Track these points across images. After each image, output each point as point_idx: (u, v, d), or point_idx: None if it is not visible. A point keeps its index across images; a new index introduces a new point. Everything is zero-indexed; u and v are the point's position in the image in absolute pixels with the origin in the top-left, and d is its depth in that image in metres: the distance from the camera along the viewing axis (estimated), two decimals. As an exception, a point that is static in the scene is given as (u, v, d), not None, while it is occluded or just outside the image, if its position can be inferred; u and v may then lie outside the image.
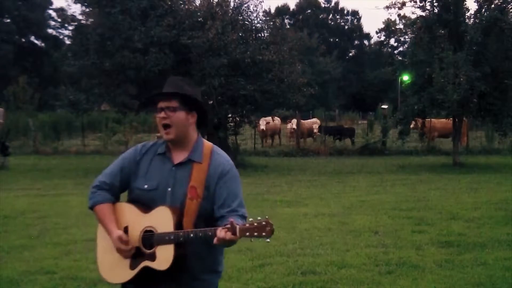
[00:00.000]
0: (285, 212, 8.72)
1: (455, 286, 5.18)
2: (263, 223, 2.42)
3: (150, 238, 2.55)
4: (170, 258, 2.50)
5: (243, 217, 2.56)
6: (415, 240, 6.90)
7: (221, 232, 2.37)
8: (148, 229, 2.56)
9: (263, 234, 2.42)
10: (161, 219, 2.54)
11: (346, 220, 8.30)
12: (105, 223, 2.61)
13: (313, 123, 24.86)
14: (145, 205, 2.60)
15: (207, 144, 2.71)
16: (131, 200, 2.68)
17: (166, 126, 2.59)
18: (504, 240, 6.84)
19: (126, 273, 2.59)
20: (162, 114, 2.57)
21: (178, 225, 2.52)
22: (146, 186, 2.62)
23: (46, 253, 6.50)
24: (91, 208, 2.68)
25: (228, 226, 2.39)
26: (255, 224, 2.42)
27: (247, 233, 2.41)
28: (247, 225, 2.43)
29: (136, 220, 2.60)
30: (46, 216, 8.73)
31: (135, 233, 2.57)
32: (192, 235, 2.48)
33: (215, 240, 2.38)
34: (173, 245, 2.49)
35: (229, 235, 2.36)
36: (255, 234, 2.42)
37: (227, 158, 2.71)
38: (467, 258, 6.03)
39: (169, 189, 2.59)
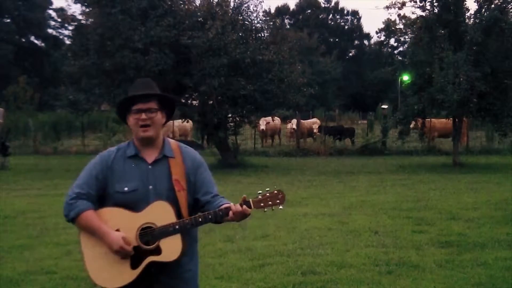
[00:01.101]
0: (285, 212, 8.71)
1: (455, 286, 5.18)
2: (275, 192, 2.60)
3: (149, 234, 2.57)
4: (179, 247, 2.56)
5: (224, 198, 2.75)
6: (415, 240, 6.90)
7: (237, 207, 2.56)
8: (146, 226, 2.57)
9: (277, 201, 2.59)
10: (161, 213, 2.58)
11: (346, 220, 8.30)
12: (97, 227, 2.60)
13: (313, 123, 24.87)
14: (128, 207, 2.63)
15: (172, 140, 2.84)
16: (111, 206, 2.68)
17: (145, 126, 2.66)
18: (504, 240, 6.84)
19: (128, 274, 2.58)
20: (143, 116, 2.65)
21: (178, 216, 2.61)
22: (126, 189, 2.65)
23: (46, 253, 6.50)
24: (74, 219, 2.65)
25: (241, 202, 2.57)
26: (267, 194, 2.60)
27: (262, 204, 2.60)
28: (260, 197, 2.60)
29: (126, 221, 2.60)
30: (46, 216, 8.73)
31: (130, 233, 2.58)
32: (200, 219, 2.60)
33: (230, 214, 2.56)
34: (180, 234, 2.57)
35: (246, 209, 2.56)
36: (269, 203, 2.59)
37: (194, 150, 2.86)
38: (467, 258, 6.03)
39: (150, 186, 2.66)
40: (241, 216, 2.58)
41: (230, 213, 2.56)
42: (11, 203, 9.98)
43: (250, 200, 2.58)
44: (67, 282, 5.36)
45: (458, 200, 10.07)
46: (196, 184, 2.73)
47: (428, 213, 8.72)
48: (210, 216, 2.59)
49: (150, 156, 2.72)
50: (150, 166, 2.70)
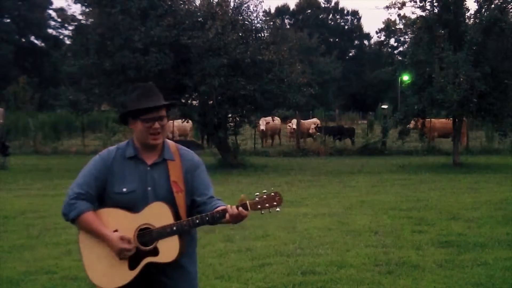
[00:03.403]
0: (285, 212, 8.71)
1: (455, 286, 5.18)
2: (272, 194, 2.59)
3: (147, 235, 2.58)
4: (177, 248, 2.58)
5: (221, 200, 2.77)
6: (415, 240, 6.90)
7: (233, 209, 2.57)
8: (144, 227, 2.58)
9: (274, 203, 2.59)
10: (158, 214, 2.59)
11: (346, 220, 8.30)
12: (96, 229, 2.62)
13: (313, 123, 24.87)
14: (127, 208, 2.64)
15: (171, 142, 2.86)
16: (109, 207, 2.69)
17: (157, 133, 2.69)
18: (504, 240, 6.84)
19: (126, 275, 2.59)
20: (157, 125, 2.68)
21: (176, 217, 2.62)
22: (124, 189, 2.66)
23: (46, 253, 6.50)
24: (73, 219, 2.67)
25: (239, 204, 2.56)
26: (264, 196, 2.60)
27: (259, 206, 2.59)
28: (257, 199, 2.59)
29: (125, 222, 2.61)
30: (46, 216, 8.73)
31: (128, 234, 2.59)
32: (198, 221, 2.61)
33: (227, 216, 2.57)
34: (177, 236, 2.58)
35: (242, 211, 2.56)
36: (267, 205, 2.59)
37: (192, 152, 2.89)
38: (467, 258, 6.03)
39: (149, 188, 2.68)
40: (238, 218, 2.59)
41: (227, 215, 2.57)
42: (11, 203, 9.98)
43: (247, 202, 2.58)
44: (67, 282, 5.36)
45: (458, 200, 10.07)
46: (193, 185, 2.75)
47: (428, 213, 8.72)
48: (207, 218, 2.60)
49: (150, 157, 2.74)
50: (149, 168, 2.72)
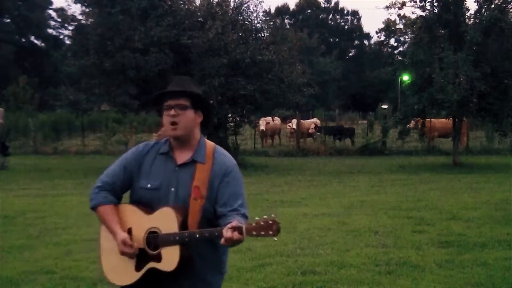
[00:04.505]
0: (285, 212, 8.71)
1: (455, 286, 5.18)
2: (270, 222, 2.41)
3: (155, 239, 2.54)
4: (176, 259, 2.49)
5: (245, 217, 2.55)
6: (415, 240, 6.90)
7: (227, 232, 2.36)
8: (153, 230, 2.55)
9: (270, 233, 2.41)
10: (165, 220, 2.53)
11: (346, 220, 8.30)
12: (109, 224, 2.60)
13: (313, 123, 24.87)
14: (148, 206, 2.60)
15: (210, 144, 2.70)
16: (134, 201, 2.67)
17: (174, 123, 2.58)
18: (504, 240, 6.84)
19: (131, 275, 2.57)
20: (173, 112, 2.57)
21: (183, 225, 2.51)
22: (149, 185, 2.61)
23: (46, 253, 6.49)
24: (93, 208, 2.66)
25: (234, 226, 2.37)
26: (262, 223, 2.42)
27: (254, 232, 2.40)
28: (253, 224, 2.42)
29: (139, 222, 2.58)
30: (46, 216, 8.72)
31: (139, 235, 2.56)
32: (198, 235, 2.47)
33: (222, 241, 2.38)
34: (179, 245, 2.48)
35: (236, 235, 2.35)
36: (262, 233, 2.41)
37: (230, 158, 2.69)
38: (467, 258, 6.03)
39: (173, 189, 2.59)
40: (233, 243, 2.39)
41: (222, 240, 2.39)
42: (11, 203, 9.97)
43: (243, 226, 2.40)
44: (67, 282, 5.35)
45: (458, 200, 10.07)
46: (217, 194, 2.58)
47: (428, 213, 8.72)
48: (206, 234, 2.47)
49: (181, 157, 2.64)
50: (177, 168, 2.62)
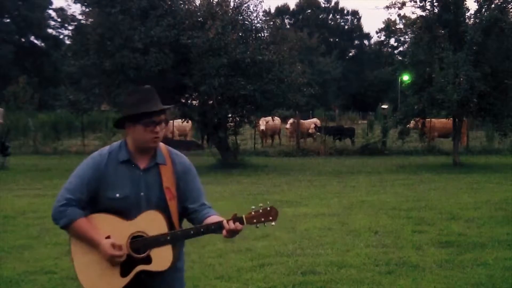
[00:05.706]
0: (285, 212, 8.71)
1: (455, 286, 5.18)
2: (268, 208, 2.62)
3: (140, 243, 2.56)
4: (170, 258, 2.56)
5: (211, 208, 2.75)
6: (415, 240, 6.90)
7: (230, 224, 2.55)
8: (137, 234, 2.57)
9: (270, 218, 2.63)
10: (152, 222, 2.58)
11: (346, 220, 8.30)
12: (89, 236, 2.58)
13: (313, 123, 24.87)
14: (120, 213, 2.61)
15: (162, 145, 2.79)
16: (102, 211, 2.65)
17: (158, 137, 2.67)
18: (504, 240, 6.84)
19: (117, 282, 2.58)
20: (158, 129, 2.65)
21: (169, 224, 2.61)
22: (117, 195, 2.63)
23: (46, 253, 6.50)
24: (66, 226, 2.62)
25: (234, 218, 2.55)
26: (260, 211, 2.62)
27: (254, 220, 2.61)
28: (253, 213, 2.61)
29: (118, 229, 2.59)
30: (46, 216, 8.70)
31: (121, 241, 2.57)
32: (192, 232, 2.59)
33: (224, 232, 2.56)
34: (171, 245, 2.57)
35: (238, 225, 2.56)
36: (262, 219, 2.62)
37: (183, 156, 2.83)
38: (467, 258, 6.03)
39: (142, 193, 2.65)
40: (234, 233, 2.58)
41: (224, 231, 2.56)
42: (11, 203, 9.97)
43: (243, 216, 2.58)
44: (67, 282, 5.35)
45: (458, 200, 10.07)
46: (185, 191, 2.72)
47: (428, 213, 8.72)
48: (202, 230, 2.59)
49: (142, 161, 2.70)
50: (142, 173, 2.68)
